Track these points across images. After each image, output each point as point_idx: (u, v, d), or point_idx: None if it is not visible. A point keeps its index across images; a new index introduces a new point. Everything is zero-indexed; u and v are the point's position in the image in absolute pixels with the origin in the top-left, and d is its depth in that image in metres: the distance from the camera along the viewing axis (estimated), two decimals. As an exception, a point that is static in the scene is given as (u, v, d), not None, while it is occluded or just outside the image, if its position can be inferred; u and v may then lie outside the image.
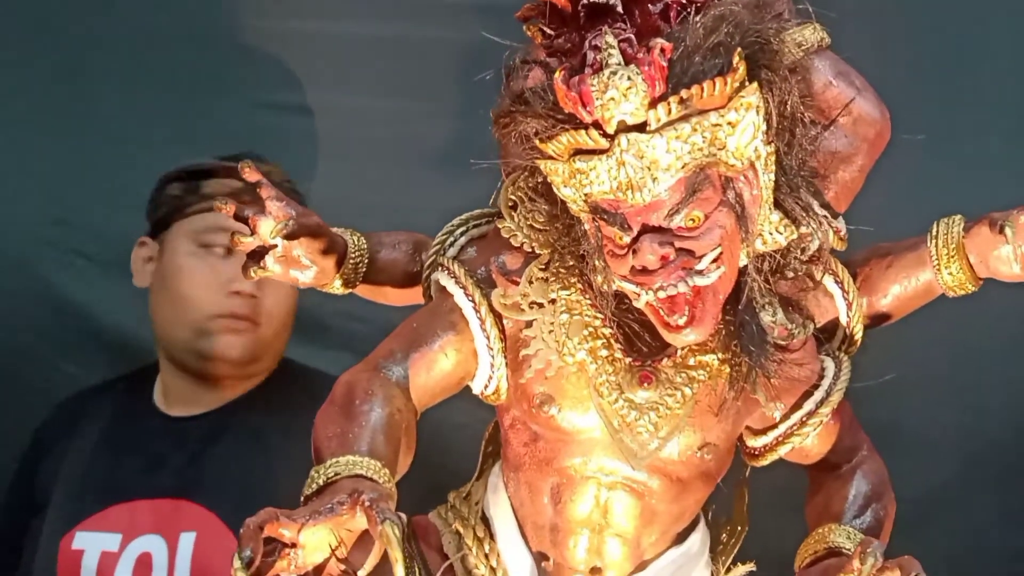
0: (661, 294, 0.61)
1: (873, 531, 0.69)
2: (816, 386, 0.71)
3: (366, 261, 0.76)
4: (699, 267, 0.61)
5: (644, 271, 0.61)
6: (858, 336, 0.75)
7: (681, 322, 0.62)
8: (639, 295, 0.62)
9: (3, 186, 1.38)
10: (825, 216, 0.73)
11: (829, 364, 0.73)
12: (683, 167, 0.60)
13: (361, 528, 0.56)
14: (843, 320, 0.74)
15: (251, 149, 1.10)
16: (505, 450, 0.73)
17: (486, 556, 0.72)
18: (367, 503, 0.55)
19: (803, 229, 0.68)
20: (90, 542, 1.10)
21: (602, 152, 0.59)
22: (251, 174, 0.73)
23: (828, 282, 0.75)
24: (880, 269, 0.77)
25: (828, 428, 0.72)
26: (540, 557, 0.72)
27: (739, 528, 0.77)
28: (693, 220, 0.61)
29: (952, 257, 0.73)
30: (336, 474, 0.59)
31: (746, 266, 0.65)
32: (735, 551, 0.76)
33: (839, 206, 0.76)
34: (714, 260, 0.62)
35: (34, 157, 1.38)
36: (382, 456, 0.61)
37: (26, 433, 1.23)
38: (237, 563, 0.52)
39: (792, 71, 0.64)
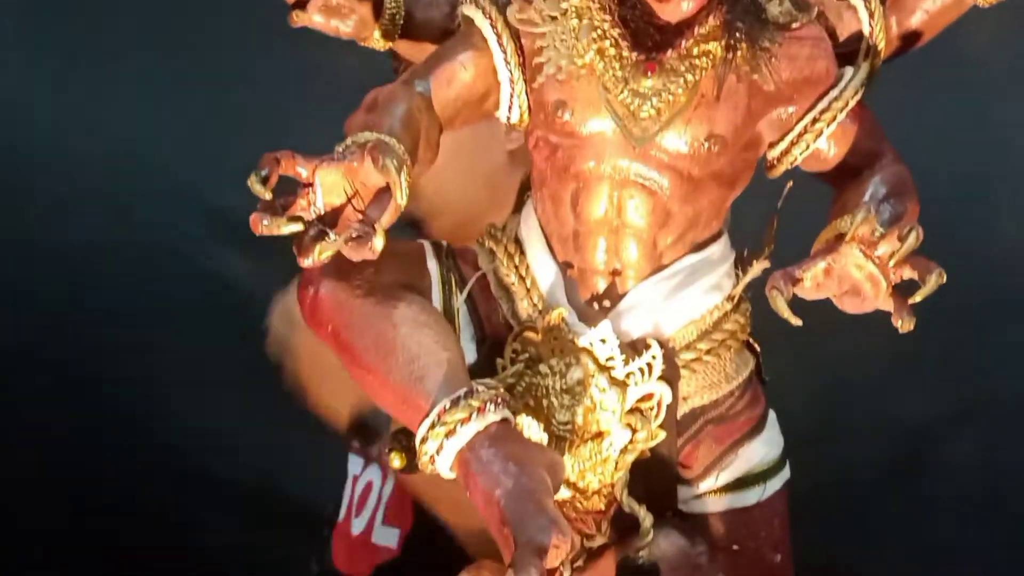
0: None
1: (888, 224, 0.70)
2: (833, 87, 0.73)
3: (403, 14, 0.82)
4: None
5: None
6: (881, 46, 0.76)
7: None
8: None
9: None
10: None
11: (848, 70, 0.74)
12: None
13: (374, 183, 0.63)
14: (865, 31, 0.75)
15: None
16: (533, 173, 0.78)
17: (516, 267, 0.77)
18: (371, 146, 0.61)
19: None
20: None
21: None
22: None
23: None
24: None
25: (844, 129, 0.74)
26: (565, 266, 0.77)
27: (766, 248, 0.79)
28: None
29: None
30: (353, 142, 0.65)
31: None
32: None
33: None
34: None
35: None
36: (398, 137, 0.67)
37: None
38: (253, 177, 0.59)
39: None
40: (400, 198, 0.61)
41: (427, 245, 0.79)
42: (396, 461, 0.73)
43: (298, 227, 0.60)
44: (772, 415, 0.79)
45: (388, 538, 1.14)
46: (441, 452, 0.65)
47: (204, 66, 1.66)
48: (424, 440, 0.65)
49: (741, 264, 0.79)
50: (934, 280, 0.64)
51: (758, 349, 0.80)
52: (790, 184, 0.79)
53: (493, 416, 0.65)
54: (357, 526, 1.17)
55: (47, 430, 1.66)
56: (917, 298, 0.65)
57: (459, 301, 0.76)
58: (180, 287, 1.76)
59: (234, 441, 1.73)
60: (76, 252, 1.73)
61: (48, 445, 1.65)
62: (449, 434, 0.65)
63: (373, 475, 1.18)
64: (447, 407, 0.65)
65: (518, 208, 0.83)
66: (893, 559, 1.66)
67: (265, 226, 0.60)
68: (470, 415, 0.65)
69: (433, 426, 0.65)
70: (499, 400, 0.66)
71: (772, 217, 0.79)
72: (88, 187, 1.73)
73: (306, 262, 0.61)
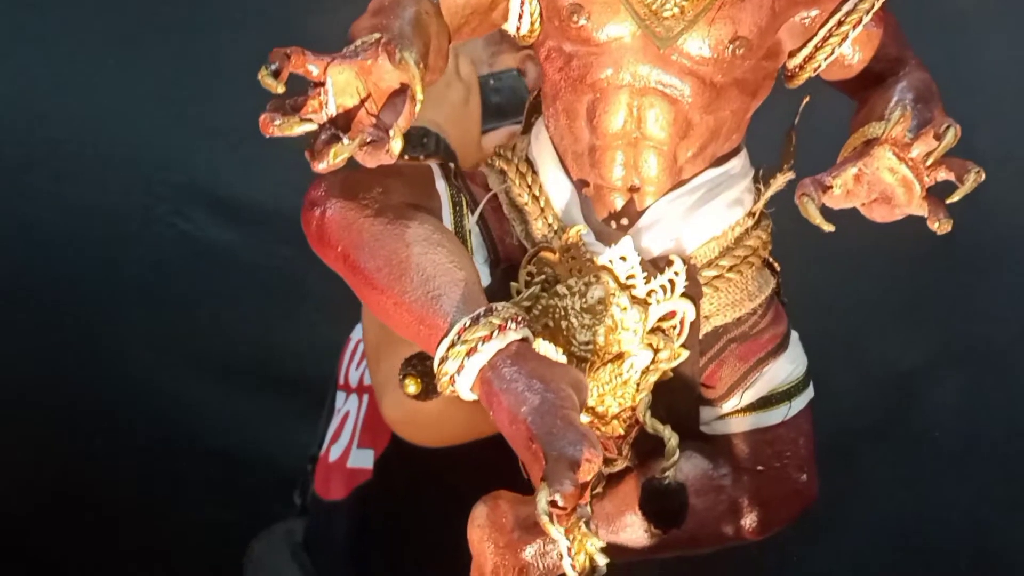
0: None
1: (917, 129, 0.68)
2: None
3: None
4: None
5: None
6: None
7: None
8: None
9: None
10: None
11: None
12: None
13: (388, 84, 0.59)
14: None
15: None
16: (544, 87, 0.75)
17: (529, 187, 0.74)
18: (385, 41, 0.58)
19: None
20: None
21: None
22: None
23: None
24: None
25: (868, 33, 0.71)
26: (581, 184, 0.74)
27: (784, 165, 0.76)
28: None
29: None
30: (363, 41, 0.61)
31: None
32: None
33: None
34: None
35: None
36: (409, 39, 0.63)
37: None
38: (264, 71, 0.56)
39: None
40: (419, 94, 0.58)
41: (434, 166, 0.75)
42: (411, 387, 0.70)
43: (312, 127, 0.57)
44: (795, 334, 0.77)
45: (363, 460, 1.12)
46: (462, 372, 0.62)
47: (172, 24, 1.62)
48: (444, 360, 0.62)
49: (760, 180, 0.77)
50: (972, 178, 0.62)
51: (778, 268, 0.78)
52: (807, 99, 0.76)
53: (514, 334, 0.62)
54: (334, 452, 1.15)
55: (15, 394, 1.61)
56: (956, 197, 0.63)
57: (471, 222, 0.73)
58: (149, 250, 1.72)
59: (210, 402, 1.70)
60: (42, 215, 1.69)
61: (17, 410, 1.60)
62: (470, 352, 0.62)
63: (352, 405, 1.16)
64: (467, 325, 0.62)
65: (527, 129, 0.80)
66: (883, 502, 1.67)
67: (277, 126, 0.56)
68: (491, 333, 0.62)
69: (453, 344, 0.62)
70: (519, 318, 0.63)
71: (790, 132, 0.77)
72: (53, 149, 1.68)
73: (320, 166, 0.57)
